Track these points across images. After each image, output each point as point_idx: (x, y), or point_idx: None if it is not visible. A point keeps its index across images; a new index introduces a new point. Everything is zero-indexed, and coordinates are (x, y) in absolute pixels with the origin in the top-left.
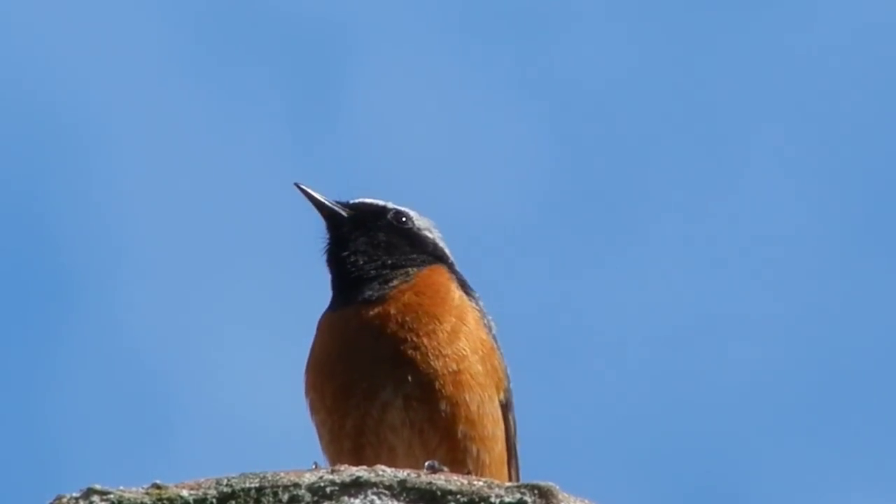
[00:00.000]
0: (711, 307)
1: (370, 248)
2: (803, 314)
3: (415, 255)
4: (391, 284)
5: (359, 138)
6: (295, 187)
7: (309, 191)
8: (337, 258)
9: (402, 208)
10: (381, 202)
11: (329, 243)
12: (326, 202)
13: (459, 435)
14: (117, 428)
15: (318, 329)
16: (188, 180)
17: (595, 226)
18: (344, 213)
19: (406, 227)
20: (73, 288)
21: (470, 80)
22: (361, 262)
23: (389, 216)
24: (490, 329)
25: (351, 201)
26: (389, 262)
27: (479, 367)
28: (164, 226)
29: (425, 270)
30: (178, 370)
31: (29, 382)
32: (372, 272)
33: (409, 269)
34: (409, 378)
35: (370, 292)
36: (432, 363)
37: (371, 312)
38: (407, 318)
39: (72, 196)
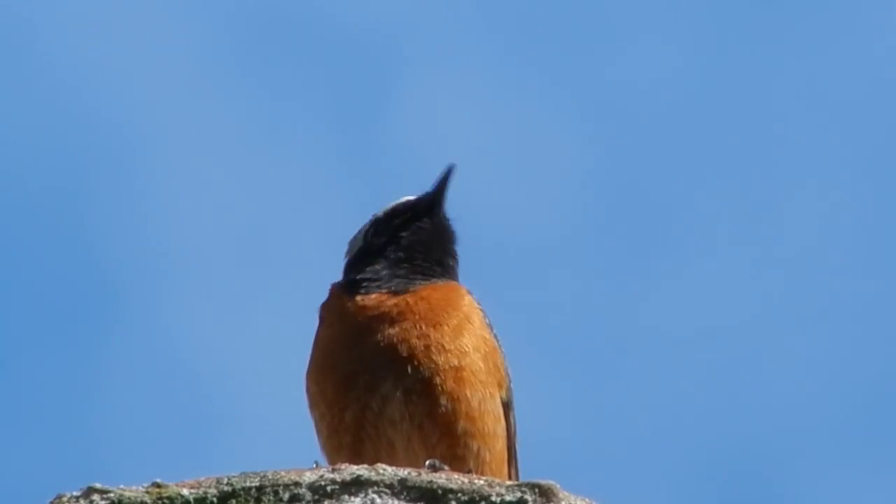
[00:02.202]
0: (754, 316)
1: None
2: (852, 321)
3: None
4: (416, 282)
5: (405, 149)
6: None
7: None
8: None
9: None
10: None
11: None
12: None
13: (460, 431)
14: (162, 433)
15: (327, 316)
16: (233, 190)
17: (641, 236)
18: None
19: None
20: (120, 296)
21: (518, 93)
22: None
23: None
24: (492, 330)
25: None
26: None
27: (481, 365)
28: (210, 234)
29: (444, 280)
30: (223, 377)
31: (76, 389)
32: (418, 265)
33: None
34: (409, 371)
35: (392, 284)
36: (434, 357)
37: (390, 302)
38: (419, 309)
39: (118, 206)
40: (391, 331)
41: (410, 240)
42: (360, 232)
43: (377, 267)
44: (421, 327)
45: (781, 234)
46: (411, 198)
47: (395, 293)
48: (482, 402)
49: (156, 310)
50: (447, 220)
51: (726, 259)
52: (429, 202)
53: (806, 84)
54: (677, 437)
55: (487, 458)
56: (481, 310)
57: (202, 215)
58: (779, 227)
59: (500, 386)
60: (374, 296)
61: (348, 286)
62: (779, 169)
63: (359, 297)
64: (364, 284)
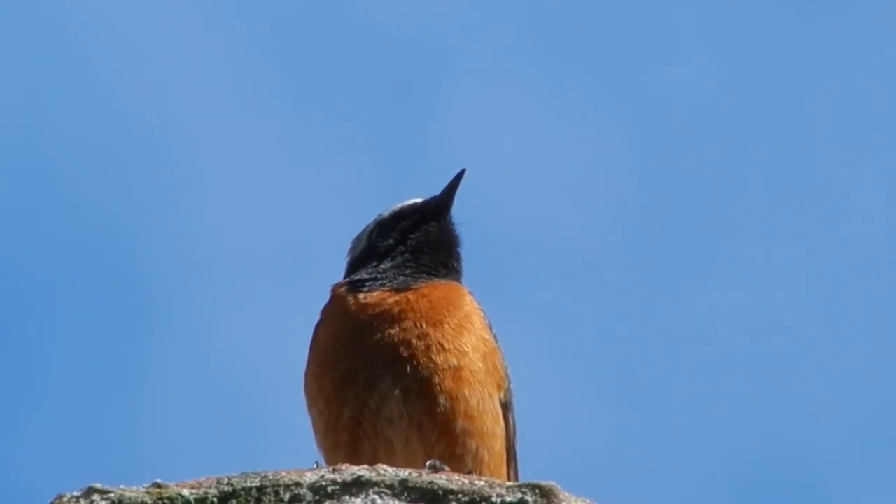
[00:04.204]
0: (793, 325)
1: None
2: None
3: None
4: (419, 280)
5: (446, 159)
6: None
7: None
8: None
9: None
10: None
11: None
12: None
13: (458, 430)
14: (198, 443)
15: (329, 315)
16: (271, 201)
17: (683, 244)
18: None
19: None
20: (156, 308)
21: (560, 102)
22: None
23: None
24: (493, 331)
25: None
26: (433, 263)
27: (480, 365)
28: (247, 244)
29: (447, 280)
30: (258, 386)
31: (114, 399)
32: (424, 266)
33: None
34: (408, 370)
35: (395, 283)
36: (433, 357)
37: (391, 300)
38: (420, 306)
39: (156, 217)
40: (391, 330)
41: (416, 241)
42: (363, 232)
43: (381, 267)
44: (421, 326)
45: (819, 244)
46: (417, 200)
47: (397, 290)
48: (481, 402)
49: (190, 319)
50: (453, 224)
51: (764, 268)
52: (437, 206)
53: (850, 92)
54: (713, 444)
55: (486, 458)
56: (482, 311)
57: (239, 226)
58: (818, 237)
59: (499, 387)
60: (376, 293)
61: (350, 285)
62: (822, 177)
63: (361, 295)
64: (367, 283)
